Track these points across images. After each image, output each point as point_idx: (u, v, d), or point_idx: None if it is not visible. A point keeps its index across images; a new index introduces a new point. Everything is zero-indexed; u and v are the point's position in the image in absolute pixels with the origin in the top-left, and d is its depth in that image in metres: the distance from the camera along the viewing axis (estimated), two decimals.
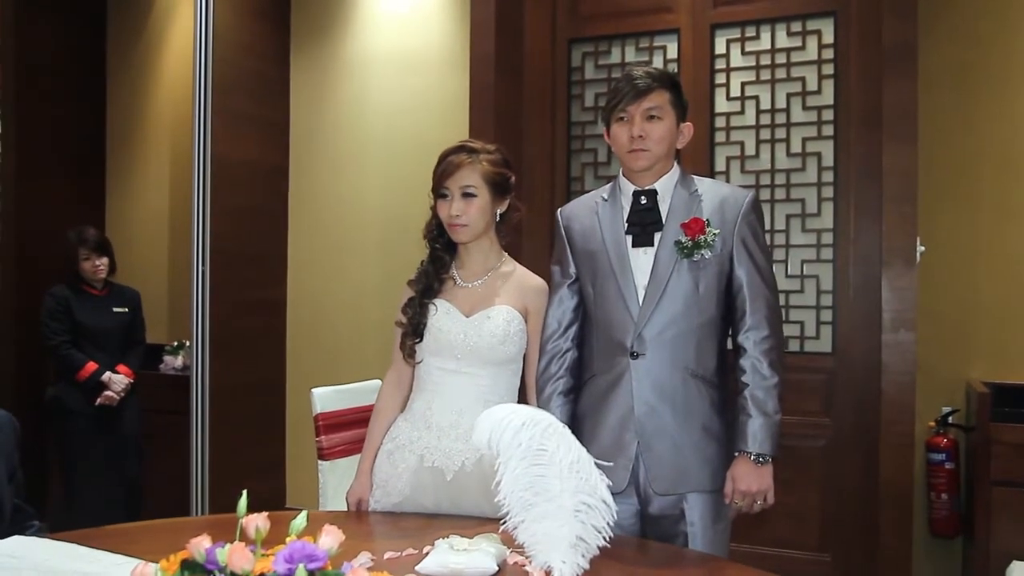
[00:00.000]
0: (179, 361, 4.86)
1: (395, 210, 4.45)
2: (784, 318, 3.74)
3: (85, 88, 5.33)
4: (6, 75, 4.96)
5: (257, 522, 1.29)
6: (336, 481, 2.77)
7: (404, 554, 1.84)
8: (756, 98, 3.87)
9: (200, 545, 1.31)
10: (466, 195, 2.27)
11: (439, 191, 2.31)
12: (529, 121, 4.18)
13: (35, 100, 5.00)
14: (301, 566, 1.20)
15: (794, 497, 3.62)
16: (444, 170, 2.31)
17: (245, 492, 1.35)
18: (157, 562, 1.34)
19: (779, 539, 3.57)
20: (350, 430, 3.10)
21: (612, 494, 1.63)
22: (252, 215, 4.55)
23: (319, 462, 3.04)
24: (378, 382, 3.31)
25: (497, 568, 1.77)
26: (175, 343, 4.94)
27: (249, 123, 4.54)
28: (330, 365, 4.57)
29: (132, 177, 5.34)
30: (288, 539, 1.27)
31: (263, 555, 1.25)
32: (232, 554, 1.23)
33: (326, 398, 3.11)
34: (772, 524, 3.54)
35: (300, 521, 1.33)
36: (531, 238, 3.84)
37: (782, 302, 3.74)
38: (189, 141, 4.28)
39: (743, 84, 3.89)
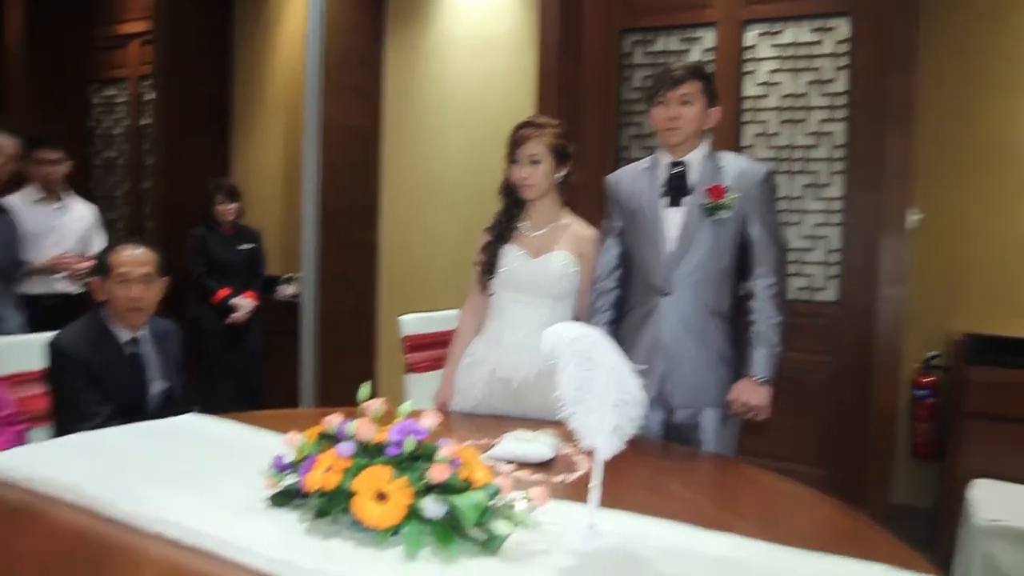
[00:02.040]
0: (291, 290, 4.96)
1: (470, 169, 4.57)
2: (798, 271, 3.85)
3: (216, 63, 5.48)
4: (158, 54, 5.21)
5: (375, 405, 1.51)
6: (420, 391, 2.92)
7: (479, 443, 2.01)
8: (779, 84, 3.91)
9: (333, 421, 1.54)
10: (533, 162, 2.44)
11: (511, 157, 2.49)
12: (586, 99, 4.26)
13: (179, 74, 5.23)
14: (411, 437, 1.41)
15: (798, 420, 3.75)
16: (515, 140, 2.47)
17: (368, 383, 1.57)
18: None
19: (783, 455, 3.69)
20: (431, 350, 3.28)
21: None
22: (351, 169, 4.68)
23: (406, 375, 3.24)
24: (455, 311, 3.51)
25: (552, 456, 1.98)
26: (288, 275, 5.05)
27: (350, 92, 4.65)
28: (413, 297, 4.72)
29: (253, 137, 5.50)
30: (396, 420, 1.49)
31: (380, 429, 1.47)
32: (359, 427, 1.45)
33: (412, 323, 3.29)
34: (778, 443, 3.66)
35: (406, 407, 1.55)
36: (586, 197, 3.98)
37: (796, 258, 3.85)
38: (300, 107, 4.45)
39: (769, 72, 3.93)
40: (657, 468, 2.04)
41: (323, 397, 4.38)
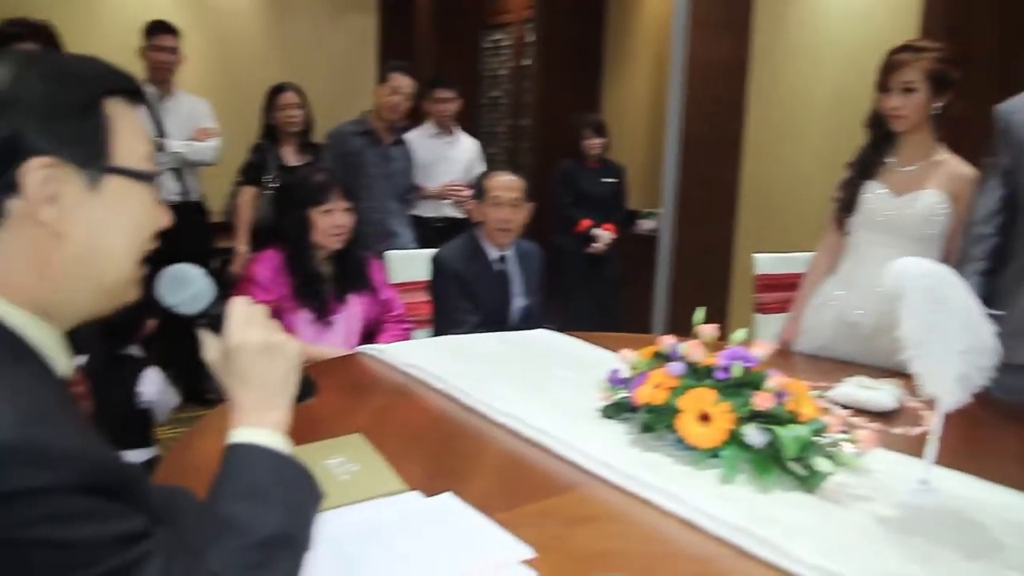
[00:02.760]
0: (650, 224, 5.06)
1: (840, 104, 4.27)
2: None
3: (590, 6, 5.64)
4: (538, 0, 5.55)
5: (708, 329, 1.54)
6: (768, 331, 2.86)
7: (817, 384, 1.90)
8: None
9: (667, 341, 1.59)
10: (906, 90, 2.21)
11: (883, 85, 2.27)
12: (978, 23, 3.75)
13: (553, 16, 5.51)
14: (738, 363, 1.42)
15: None
16: (888, 66, 2.24)
17: (703, 308, 1.60)
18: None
19: None
20: (783, 291, 3.18)
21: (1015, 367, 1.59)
22: (715, 105, 4.60)
23: (755, 315, 3.19)
24: (811, 254, 3.37)
25: (895, 407, 1.86)
26: (648, 209, 5.16)
27: (717, 27, 4.56)
28: (771, 236, 4.59)
29: (623, 74, 5.63)
30: (729, 346, 1.50)
31: (710, 354, 1.49)
32: (690, 348, 1.48)
33: (766, 262, 3.22)
34: None
35: (739, 335, 1.55)
36: (968, 132, 3.53)
37: None
38: (667, 44, 4.47)
39: None
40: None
41: (674, 328, 4.46)
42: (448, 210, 4.29)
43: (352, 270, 2.47)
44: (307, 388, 0.98)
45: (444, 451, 1.49)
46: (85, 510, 0.68)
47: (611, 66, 5.72)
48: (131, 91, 0.85)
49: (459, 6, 6.52)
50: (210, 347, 0.94)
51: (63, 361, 0.81)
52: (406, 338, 2.53)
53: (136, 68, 3.63)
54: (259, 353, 0.90)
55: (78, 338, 0.86)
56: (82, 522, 0.67)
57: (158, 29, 3.88)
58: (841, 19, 4.28)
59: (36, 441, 0.66)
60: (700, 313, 1.58)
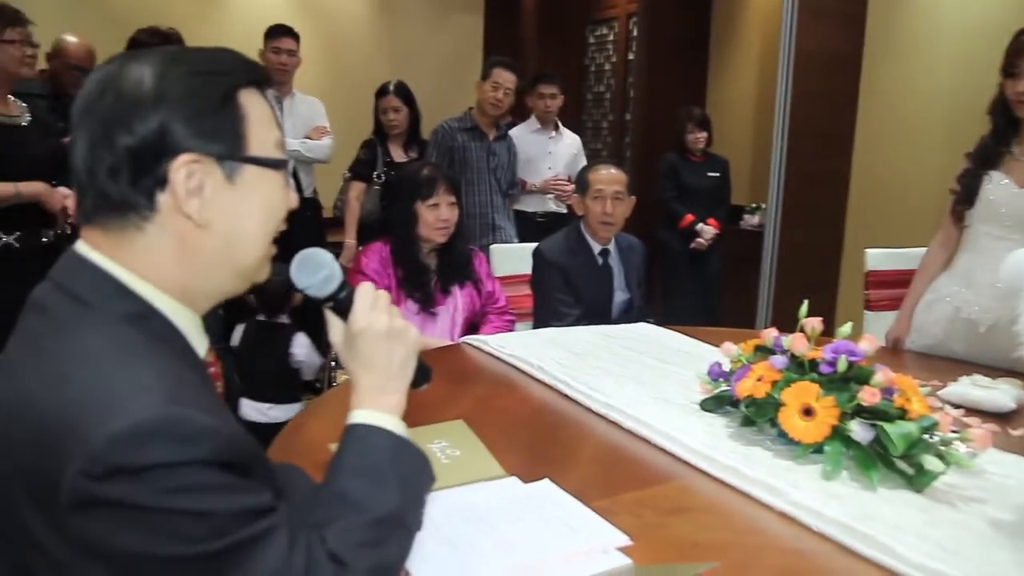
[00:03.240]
0: (756, 219, 4.98)
1: (961, 95, 4.06)
2: None
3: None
4: None
5: (813, 323, 1.50)
6: (878, 330, 2.74)
7: (929, 383, 1.86)
8: None
9: (770, 334, 1.56)
10: None
11: (1008, 69, 2.12)
12: None
13: (658, 9, 5.45)
14: (843, 356, 1.38)
15: None
16: (1016, 48, 2.10)
17: (806, 302, 1.56)
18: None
19: None
20: (895, 288, 3.07)
21: None
22: (825, 98, 4.46)
23: (865, 312, 3.08)
24: (924, 249, 3.23)
25: (1013, 408, 1.76)
26: (754, 204, 5.07)
27: (828, 17, 4.42)
28: (883, 232, 4.41)
29: (728, 67, 5.52)
30: (835, 339, 1.46)
31: (814, 348, 1.46)
32: (794, 341, 1.45)
33: (878, 258, 3.11)
34: None
35: (845, 329, 1.50)
36: None
37: None
38: (776, 36, 4.35)
39: None
40: None
41: (778, 324, 4.34)
42: (551, 205, 4.31)
43: (456, 263, 2.52)
44: (423, 375, 1.01)
45: (543, 439, 1.51)
46: (219, 484, 0.72)
47: (717, 59, 5.62)
48: (261, 80, 0.89)
49: (564, 2, 6.52)
50: (335, 329, 0.99)
51: (201, 343, 0.87)
52: (509, 330, 2.56)
53: None
54: (382, 338, 0.94)
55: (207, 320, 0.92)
56: (216, 494, 0.72)
57: (279, 32, 4.01)
58: (958, 7, 4.08)
59: (179, 419, 0.70)
60: (804, 307, 1.54)
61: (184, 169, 0.80)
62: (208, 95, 0.82)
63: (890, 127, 4.48)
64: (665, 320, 2.54)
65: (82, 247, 0.83)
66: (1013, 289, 1.22)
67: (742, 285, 4.76)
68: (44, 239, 2.75)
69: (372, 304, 0.95)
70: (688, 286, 4.59)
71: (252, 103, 0.87)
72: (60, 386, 0.72)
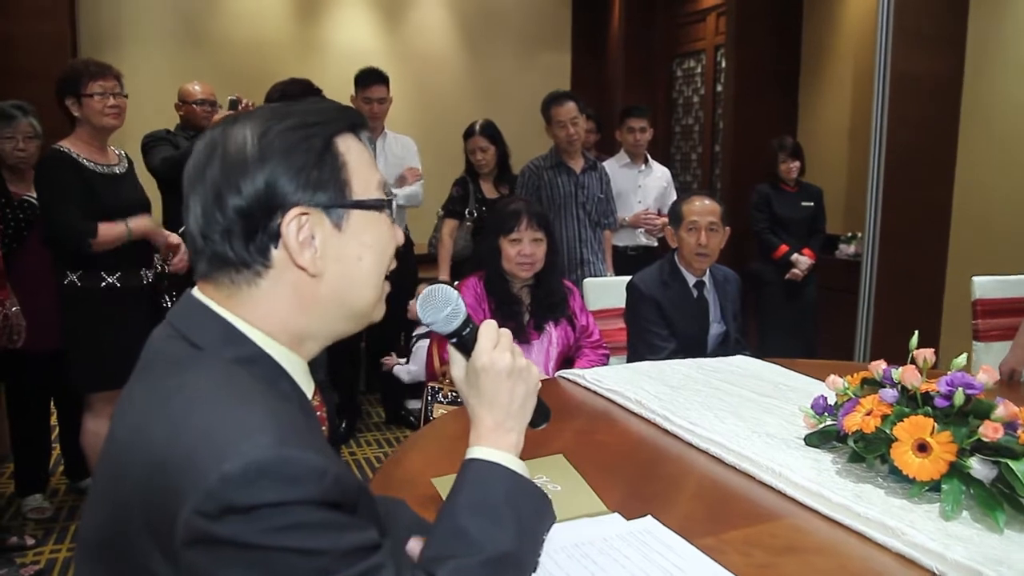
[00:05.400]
0: (852, 249, 4.84)
1: None
2: None
3: (785, 26, 5.48)
4: (731, 24, 5.44)
5: (925, 354, 1.43)
6: (988, 361, 2.64)
7: None
8: None
9: (879, 366, 1.49)
10: None
11: None
12: None
13: (746, 40, 5.38)
14: (960, 390, 1.31)
15: None
16: None
17: (917, 332, 1.49)
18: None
19: None
20: (1005, 317, 2.94)
21: None
22: (924, 123, 4.32)
23: (974, 343, 2.94)
24: None
25: None
26: (850, 233, 4.93)
27: (925, 40, 4.28)
28: (987, 259, 4.21)
29: (820, 95, 5.40)
30: (949, 371, 1.39)
31: (927, 380, 1.39)
32: (904, 373, 1.39)
33: (986, 286, 2.99)
34: None
35: (960, 360, 1.43)
36: None
37: None
38: (870, 61, 4.23)
39: None
40: None
41: (877, 356, 4.16)
42: (641, 238, 4.28)
43: (549, 301, 2.51)
44: (542, 414, 1.01)
45: (644, 475, 1.48)
46: (327, 522, 0.73)
47: (807, 86, 5.50)
48: (356, 124, 0.91)
49: (650, 36, 6.52)
50: (457, 365, 0.99)
51: (308, 386, 0.88)
52: (604, 363, 2.53)
53: None
54: (505, 376, 0.94)
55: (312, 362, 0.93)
56: (324, 533, 0.72)
57: (370, 81, 4.07)
58: None
59: (289, 459, 0.71)
60: (915, 338, 1.47)
61: (294, 223, 0.82)
62: (308, 148, 0.84)
63: (993, 151, 4.29)
64: (761, 353, 2.47)
65: (198, 293, 0.86)
66: None
67: (839, 316, 4.61)
68: (144, 281, 2.87)
69: (496, 342, 0.96)
70: (784, 318, 4.47)
71: (350, 148, 0.88)
72: (176, 424, 0.74)
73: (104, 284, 2.74)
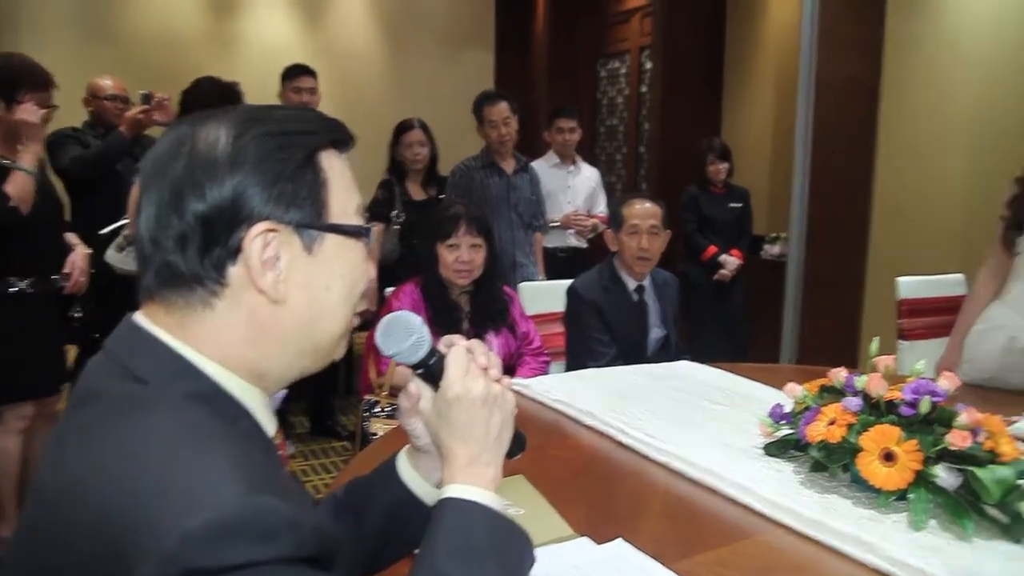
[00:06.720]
0: (776, 249, 4.90)
1: (982, 122, 4.01)
2: None
3: (709, 28, 5.54)
4: (657, 25, 5.48)
5: (887, 361, 1.42)
6: (912, 360, 2.71)
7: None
8: None
9: (839, 374, 1.48)
10: None
11: None
12: None
13: (671, 42, 5.43)
14: (927, 398, 1.30)
15: None
16: None
17: (877, 338, 1.48)
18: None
19: None
20: (930, 316, 3.02)
21: None
22: (845, 126, 4.42)
23: (899, 341, 3.01)
24: (958, 276, 3.15)
25: None
26: (774, 234, 4.99)
27: (846, 46, 4.39)
28: (906, 259, 4.34)
29: (743, 97, 5.48)
30: (910, 379, 1.38)
31: (892, 387, 1.38)
32: (870, 381, 1.37)
33: (911, 286, 3.06)
34: None
35: (920, 366, 1.43)
36: None
37: None
38: (792, 65, 4.30)
39: None
40: None
41: (803, 355, 4.26)
42: (571, 240, 4.25)
43: (489, 308, 2.44)
44: (518, 443, 0.93)
45: (607, 493, 1.43)
46: None
47: (731, 89, 5.59)
48: (342, 140, 0.82)
49: (575, 37, 6.53)
50: (424, 397, 0.91)
51: (270, 423, 0.79)
52: (545, 371, 2.48)
53: None
54: (480, 405, 0.86)
55: None
56: None
57: (299, 72, 3.99)
58: (976, 33, 4.05)
59: (259, 512, 0.62)
60: (875, 344, 1.46)
61: (260, 239, 0.73)
62: (287, 158, 0.75)
63: (910, 154, 4.42)
64: (693, 354, 2.46)
65: (141, 319, 0.76)
66: None
67: (766, 315, 4.67)
68: (55, 287, 2.70)
69: (466, 369, 0.87)
70: (712, 319, 4.50)
71: (333, 165, 0.80)
72: (123, 475, 0.64)
73: (14, 290, 2.56)
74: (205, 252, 0.72)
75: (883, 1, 4.47)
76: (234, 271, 0.73)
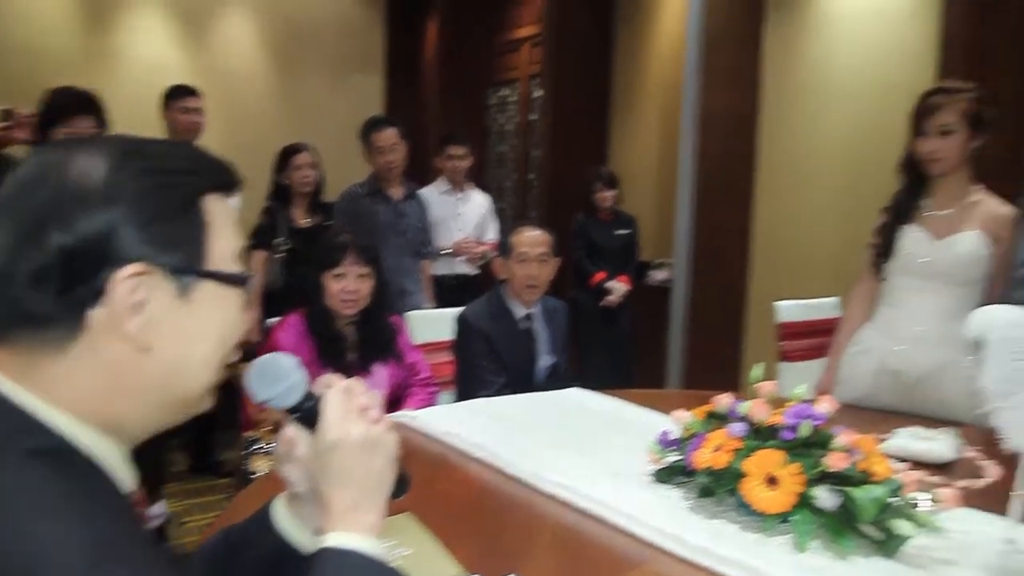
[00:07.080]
0: (662, 275, 4.97)
1: (853, 151, 4.22)
2: None
3: (598, 59, 5.65)
4: (546, 54, 5.56)
5: (768, 387, 1.46)
6: (793, 381, 2.80)
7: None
8: None
9: (724, 400, 1.51)
10: (944, 133, 2.16)
11: (918, 129, 2.22)
12: (997, 62, 3.72)
13: (559, 71, 5.52)
14: (807, 422, 1.34)
15: None
16: (923, 110, 2.20)
17: (760, 364, 1.52)
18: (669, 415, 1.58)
19: None
20: (808, 338, 3.11)
21: None
22: (727, 154, 4.56)
23: (779, 363, 3.10)
24: (834, 299, 3.29)
25: (953, 459, 1.77)
26: (659, 260, 5.07)
27: (728, 77, 4.57)
28: (786, 284, 4.51)
29: (630, 126, 5.59)
30: (789, 404, 1.42)
31: (774, 411, 1.41)
32: (753, 407, 1.40)
33: (789, 310, 3.15)
34: None
35: (800, 390, 1.47)
36: (998, 172, 3.49)
37: None
38: (677, 95, 4.45)
39: None
40: None
41: (689, 379, 4.36)
42: (461, 267, 4.23)
43: (376, 339, 2.39)
44: (402, 484, 0.89)
45: (497, 527, 1.40)
46: None
47: (618, 118, 5.72)
48: (229, 184, 0.78)
49: (465, 64, 6.55)
50: (301, 442, 0.86)
51: (127, 477, 0.73)
52: (433, 402, 2.44)
53: (156, 130, 3.59)
54: (359, 450, 0.81)
55: None
56: None
57: (183, 92, 3.85)
58: (849, 66, 4.27)
59: None
60: (758, 370, 1.50)
61: (129, 282, 0.67)
62: (168, 199, 0.70)
63: (788, 181, 4.61)
64: (581, 379, 2.47)
65: None
66: (977, 345, 1.20)
67: (653, 340, 4.77)
68: None
69: (344, 412, 0.83)
70: (600, 344, 4.55)
71: (215, 210, 0.75)
72: None
73: None
74: (64, 290, 0.66)
75: (759, 34, 4.68)
76: (95, 314, 0.67)
